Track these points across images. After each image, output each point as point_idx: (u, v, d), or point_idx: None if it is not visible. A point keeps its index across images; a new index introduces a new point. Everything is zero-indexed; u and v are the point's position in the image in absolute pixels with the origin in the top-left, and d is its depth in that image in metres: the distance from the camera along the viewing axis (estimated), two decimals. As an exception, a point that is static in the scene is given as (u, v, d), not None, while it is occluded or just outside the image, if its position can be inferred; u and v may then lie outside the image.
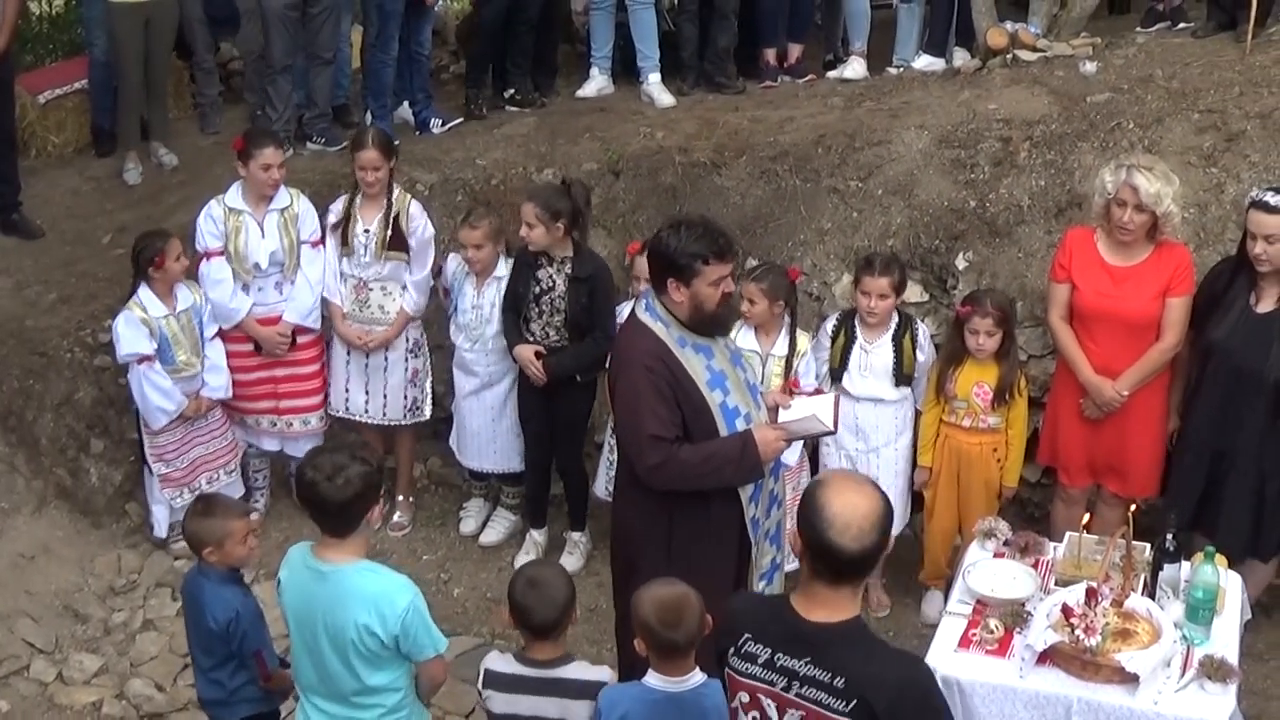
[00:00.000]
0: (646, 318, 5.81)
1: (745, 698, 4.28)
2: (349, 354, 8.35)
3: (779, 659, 4.16)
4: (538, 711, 5.20)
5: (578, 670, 5.23)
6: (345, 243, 8.16)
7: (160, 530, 8.29)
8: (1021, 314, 7.79)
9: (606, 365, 6.56)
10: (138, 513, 8.54)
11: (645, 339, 5.77)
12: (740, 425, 5.84)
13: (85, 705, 7.30)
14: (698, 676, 4.98)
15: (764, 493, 6.05)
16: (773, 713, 4.20)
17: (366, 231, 8.12)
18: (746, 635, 4.26)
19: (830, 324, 7.64)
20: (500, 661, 5.31)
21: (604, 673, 5.27)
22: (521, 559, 8.23)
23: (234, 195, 8.10)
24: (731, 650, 4.28)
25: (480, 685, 5.30)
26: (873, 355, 7.46)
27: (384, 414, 8.43)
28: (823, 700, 4.07)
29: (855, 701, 4.01)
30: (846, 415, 7.26)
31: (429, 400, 8.56)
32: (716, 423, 5.79)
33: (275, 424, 8.45)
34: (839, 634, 4.11)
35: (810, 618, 4.13)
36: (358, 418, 8.43)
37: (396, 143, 8.37)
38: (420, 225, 8.20)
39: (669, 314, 5.78)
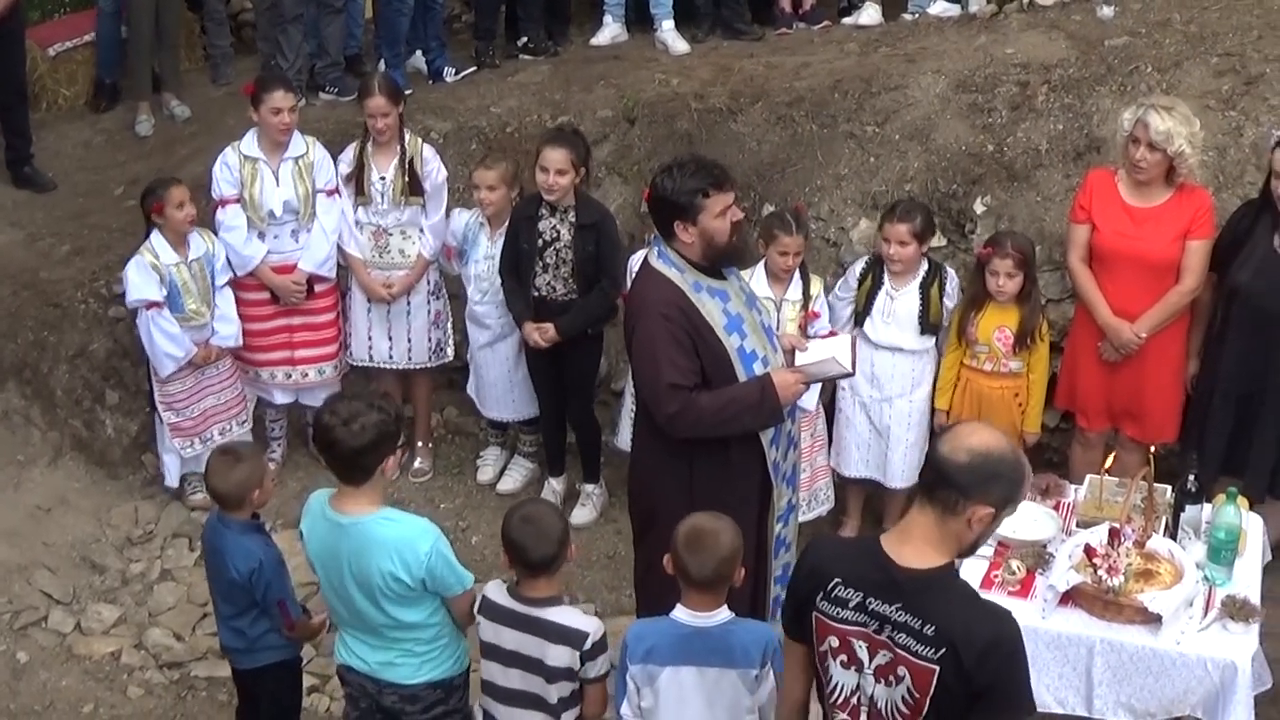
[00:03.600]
0: (660, 264, 5.77)
1: (835, 642, 4.22)
2: (370, 300, 8.32)
3: (870, 603, 4.11)
4: (518, 647, 5.20)
5: (564, 615, 5.21)
6: (361, 191, 8.13)
7: (171, 480, 8.27)
8: (1039, 258, 7.72)
9: (619, 315, 6.51)
10: (153, 464, 8.53)
11: (661, 287, 5.73)
12: (758, 369, 5.81)
13: (104, 655, 7.31)
14: (725, 613, 4.97)
15: (783, 434, 6.02)
16: (863, 654, 4.16)
17: (383, 179, 8.09)
18: (836, 579, 4.18)
19: (859, 266, 7.60)
20: (497, 591, 5.30)
21: (591, 623, 5.24)
22: (530, 506, 8.25)
23: (249, 143, 8.06)
24: (820, 595, 4.21)
25: (476, 610, 5.29)
26: (898, 302, 7.42)
27: (409, 358, 8.43)
28: (911, 647, 4.03)
29: (944, 650, 3.97)
30: (863, 362, 7.24)
31: (451, 341, 8.56)
32: (735, 368, 5.76)
33: (290, 375, 8.42)
34: (932, 581, 4.05)
35: (903, 563, 4.07)
36: (382, 364, 8.42)
37: (409, 91, 8.30)
38: (434, 169, 8.19)
39: (682, 259, 5.74)
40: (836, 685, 4.27)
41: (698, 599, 4.95)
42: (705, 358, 5.70)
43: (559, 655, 5.14)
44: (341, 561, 5.16)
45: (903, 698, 4.10)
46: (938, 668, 3.99)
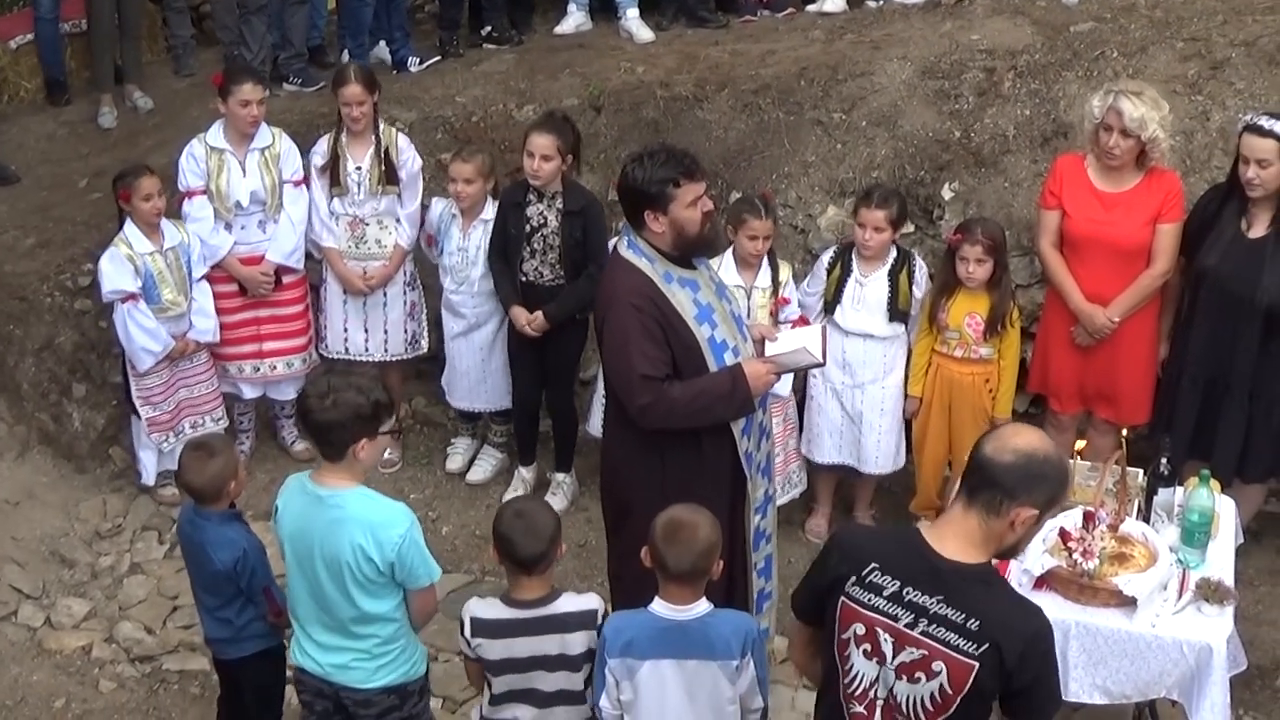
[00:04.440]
0: (630, 254, 5.73)
1: (861, 629, 4.18)
2: (345, 293, 8.30)
3: (908, 593, 4.08)
4: (536, 651, 5.16)
5: (568, 603, 5.20)
6: (337, 182, 8.11)
7: (148, 477, 8.22)
8: (1009, 243, 7.75)
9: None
10: (121, 457, 8.49)
11: (631, 276, 5.69)
12: (729, 359, 5.79)
13: (75, 649, 7.26)
14: (704, 605, 4.96)
15: (754, 425, 6.00)
16: (888, 648, 4.13)
17: (359, 169, 8.07)
18: (873, 565, 4.15)
19: (828, 256, 7.60)
20: (486, 608, 5.24)
21: (592, 599, 5.24)
22: (510, 497, 8.19)
23: (215, 134, 8.02)
24: (853, 580, 4.17)
25: (469, 635, 5.20)
26: (867, 289, 7.42)
27: (385, 349, 8.41)
28: (952, 641, 4.01)
29: (987, 646, 3.96)
30: (835, 349, 7.29)
31: (425, 332, 8.54)
32: (705, 358, 5.73)
33: (258, 369, 8.37)
34: (975, 576, 4.04)
35: (945, 554, 4.05)
36: (358, 357, 8.37)
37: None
38: (409, 158, 8.17)
39: (652, 248, 5.70)
40: (856, 675, 4.24)
41: (676, 592, 4.94)
42: (676, 348, 5.67)
43: (578, 641, 5.13)
44: (313, 539, 5.13)
45: (932, 694, 4.08)
46: (978, 664, 3.98)
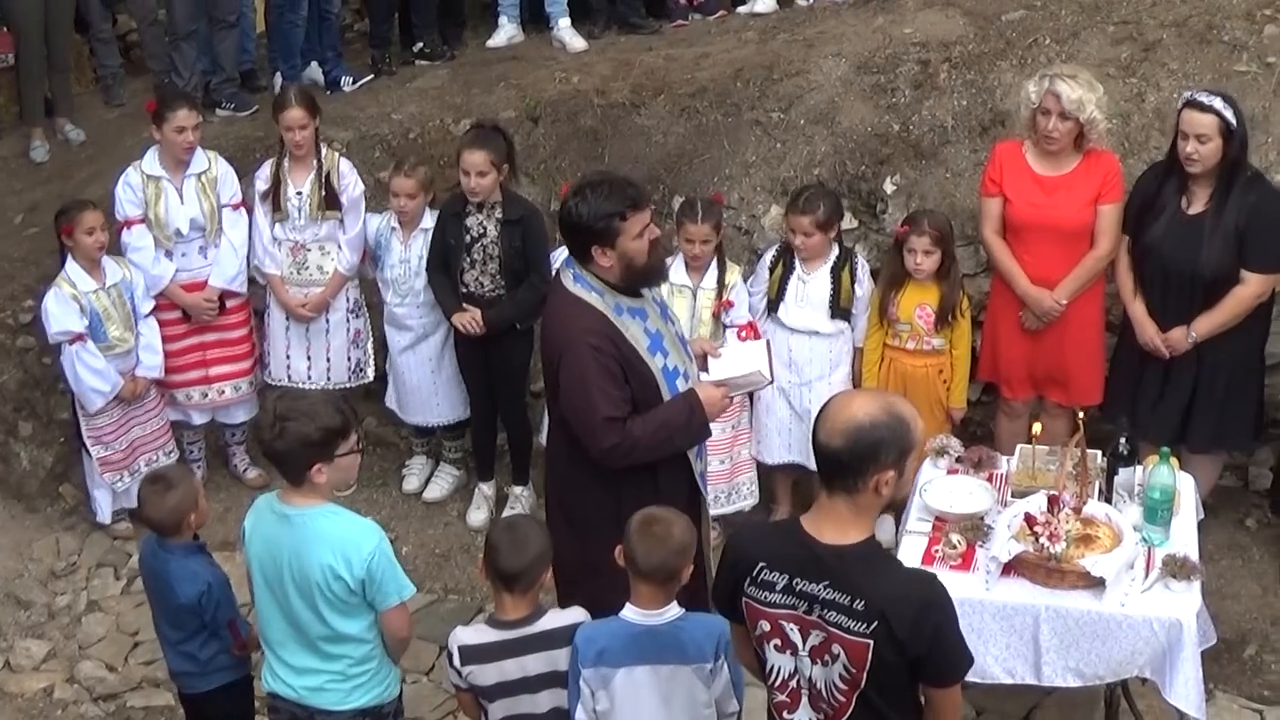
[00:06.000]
0: (579, 289, 5.58)
1: (766, 626, 4.25)
2: (288, 319, 8.25)
3: (798, 584, 4.14)
4: (526, 671, 5.13)
5: (554, 619, 5.18)
6: (278, 208, 8.05)
7: (104, 516, 8.13)
8: (954, 233, 7.78)
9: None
10: (73, 494, 8.41)
11: (583, 315, 5.54)
12: (681, 385, 5.72)
13: (36, 692, 7.18)
14: (674, 610, 4.95)
15: (704, 445, 6.00)
16: (795, 637, 4.19)
17: (299, 194, 8.02)
18: (761, 564, 4.22)
19: (769, 255, 7.61)
20: (472, 633, 5.22)
21: (577, 613, 5.21)
22: (473, 514, 8.26)
23: (151, 161, 7.94)
24: (748, 580, 4.24)
25: (458, 664, 5.18)
26: (810, 286, 7.43)
27: (327, 377, 8.35)
28: (843, 623, 4.06)
29: (876, 623, 4.00)
30: (780, 348, 7.34)
31: (371, 361, 8.49)
32: (660, 388, 5.66)
33: (206, 394, 8.29)
34: (855, 556, 4.08)
35: (824, 540, 4.10)
36: (300, 384, 8.29)
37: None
38: (351, 182, 8.12)
39: (600, 281, 5.58)
40: (774, 668, 4.32)
41: (647, 594, 4.92)
42: (634, 383, 5.58)
43: (567, 657, 5.09)
44: (282, 559, 5.08)
45: (839, 675, 4.13)
46: (871, 641, 4.03)
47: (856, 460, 4.01)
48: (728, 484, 7.64)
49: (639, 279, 5.64)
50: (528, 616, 5.14)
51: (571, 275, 5.63)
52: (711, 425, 5.84)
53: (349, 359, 8.38)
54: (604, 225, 5.45)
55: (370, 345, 8.45)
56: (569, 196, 5.62)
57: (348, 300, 8.28)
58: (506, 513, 8.14)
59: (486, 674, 5.14)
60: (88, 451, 7.94)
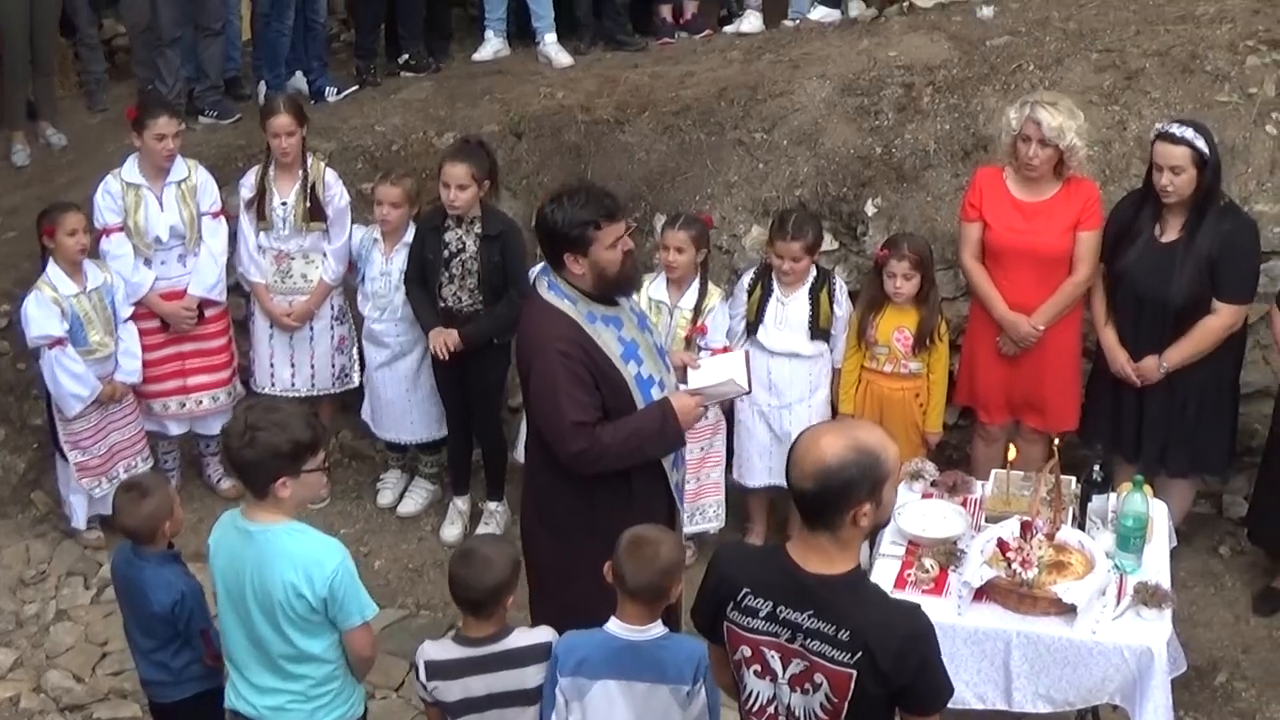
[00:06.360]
0: (551, 296, 5.65)
1: (747, 651, 4.23)
2: (272, 327, 8.25)
3: (781, 612, 4.12)
4: (492, 689, 5.14)
5: (521, 637, 5.18)
6: (262, 217, 8.04)
7: (79, 521, 8.08)
8: (933, 257, 7.78)
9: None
10: (44, 501, 8.37)
11: (555, 322, 5.60)
12: (656, 393, 5.74)
13: (2, 701, 7.11)
14: (659, 629, 4.95)
15: (680, 455, 6.02)
16: (776, 664, 4.17)
17: (284, 204, 8.03)
18: (746, 589, 4.20)
19: (747, 278, 7.60)
20: (439, 649, 5.23)
21: (545, 633, 5.22)
22: (447, 529, 8.23)
23: (130, 169, 7.91)
24: (731, 605, 4.23)
25: (424, 679, 5.20)
26: (789, 309, 7.42)
27: (312, 384, 8.35)
28: (827, 653, 4.04)
29: (860, 654, 3.99)
30: (760, 370, 7.30)
31: (356, 367, 8.47)
32: (633, 396, 5.68)
33: (184, 404, 8.25)
34: (840, 585, 4.07)
35: (809, 569, 4.09)
36: (285, 392, 8.29)
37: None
38: (337, 193, 8.12)
39: (573, 289, 5.63)
40: (752, 693, 4.29)
41: (633, 610, 4.92)
42: (605, 389, 5.60)
43: (535, 675, 5.11)
44: (245, 575, 5.04)
45: (820, 704, 4.11)
46: (855, 671, 4.01)
47: (830, 501, 4.00)
48: (692, 505, 7.60)
49: (611, 289, 5.69)
50: (494, 635, 5.15)
51: (546, 283, 5.70)
52: (687, 434, 5.86)
53: (334, 365, 8.37)
54: (578, 233, 5.51)
55: (355, 351, 8.44)
56: (547, 202, 5.69)
57: (332, 307, 8.28)
58: (481, 529, 8.12)
59: (451, 690, 5.15)
60: (64, 457, 7.89)
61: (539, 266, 6.19)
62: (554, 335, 5.56)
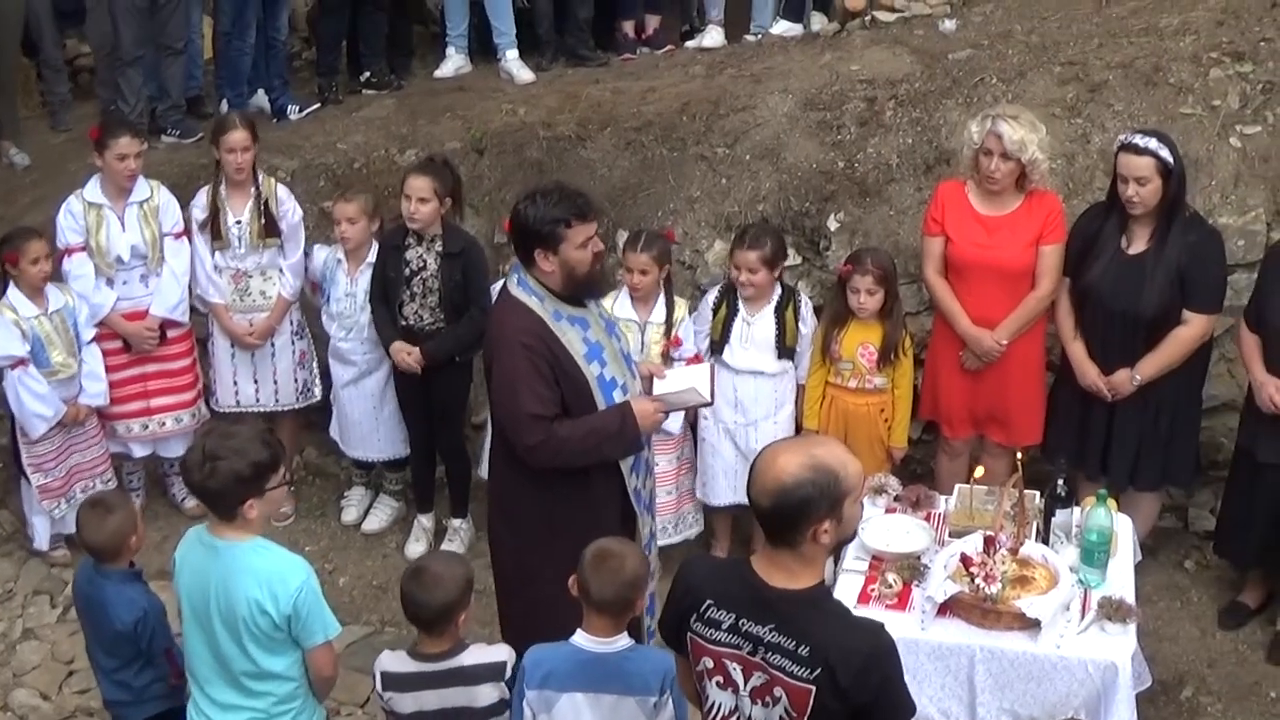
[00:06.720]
0: (520, 293, 5.72)
1: (710, 663, 4.25)
2: (233, 345, 8.23)
3: (743, 624, 4.13)
4: (444, 704, 5.16)
5: (474, 654, 5.20)
6: (218, 236, 8.02)
7: (41, 543, 8.06)
8: (897, 271, 7.79)
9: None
10: (9, 520, 8.34)
11: (520, 315, 5.68)
12: (618, 396, 5.80)
13: (-33, 720, 7.10)
14: (625, 640, 4.96)
15: (642, 462, 6.03)
16: (738, 676, 4.18)
17: (239, 223, 8.01)
18: (709, 601, 4.22)
19: (712, 296, 7.60)
20: (395, 661, 5.25)
21: (501, 651, 5.25)
22: (412, 545, 8.22)
23: (93, 189, 7.89)
24: (694, 616, 4.24)
25: (380, 689, 5.23)
26: (754, 327, 7.42)
27: (276, 399, 8.36)
28: (786, 667, 4.04)
29: (819, 670, 3.99)
30: (725, 388, 7.32)
31: (318, 381, 8.47)
32: (594, 396, 5.74)
33: (147, 426, 8.22)
34: (803, 601, 4.08)
35: (773, 583, 4.10)
36: (249, 409, 8.29)
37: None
38: (289, 209, 8.12)
39: (542, 286, 5.70)
40: (714, 705, 4.31)
41: (598, 623, 4.93)
42: (565, 387, 5.67)
43: (487, 694, 5.14)
44: (210, 590, 5.03)
45: (780, 717, 4.12)
46: (814, 688, 4.02)
47: (788, 519, 4.01)
48: (674, 514, 7.65)
49: (580, 288, 5.76)
50: (447, 651, 5.17)
51: (516, 279, 5.77)
52: (645, 442, 5.93)
53: (296, 380, 8.37)
54: (549, 230, 5.58)
55: (315, 365, 8.43)
56: (521, 199, 5.78)
57: (291, 323, 8.27)
58: (445, 545, 8.12)
59: (405, 703, 5.18)
60: (27, 479, 7.87)
61: (500, 283, 6.20)
62: (519, 329, 5.64)
